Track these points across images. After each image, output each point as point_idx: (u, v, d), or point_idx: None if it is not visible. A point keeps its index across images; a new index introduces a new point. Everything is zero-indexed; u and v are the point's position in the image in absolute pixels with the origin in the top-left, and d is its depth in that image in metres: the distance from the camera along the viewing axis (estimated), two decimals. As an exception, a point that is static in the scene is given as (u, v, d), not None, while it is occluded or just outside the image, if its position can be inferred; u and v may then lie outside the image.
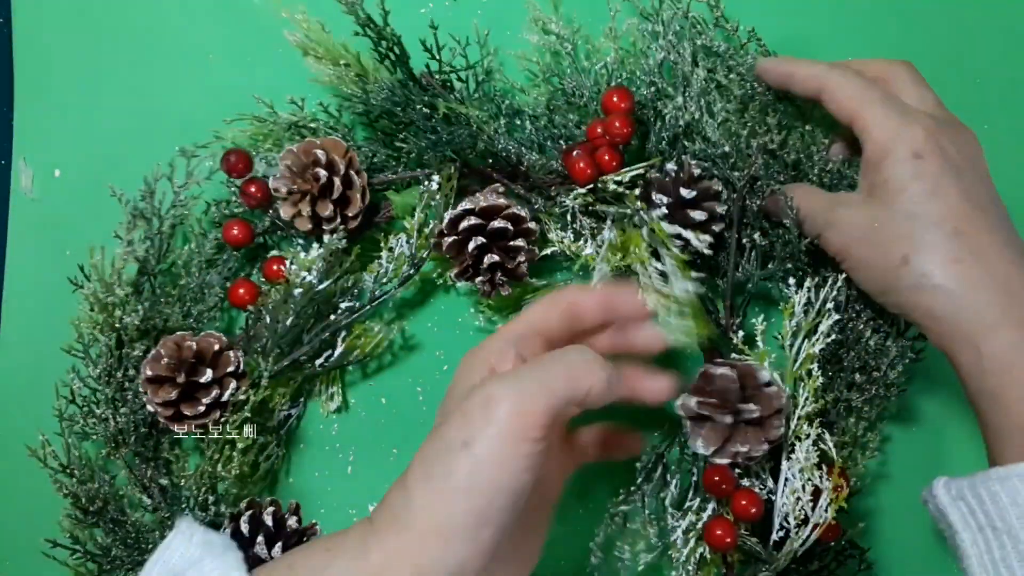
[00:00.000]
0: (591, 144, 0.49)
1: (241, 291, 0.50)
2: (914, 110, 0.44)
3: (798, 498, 0.46)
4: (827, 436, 0.47)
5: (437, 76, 0.48)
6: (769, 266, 0.48)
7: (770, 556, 0.46)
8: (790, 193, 0.47)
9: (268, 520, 0.46)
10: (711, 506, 0.46)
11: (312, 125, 0.51)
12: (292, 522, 0.47)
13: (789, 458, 0.46)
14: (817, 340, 0.46)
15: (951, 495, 0.40)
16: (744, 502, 0.45)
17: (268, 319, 0.48)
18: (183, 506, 0.46)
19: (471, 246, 0.46)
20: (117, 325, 0.47)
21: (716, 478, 0.45)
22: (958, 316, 0.40)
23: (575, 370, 0.36)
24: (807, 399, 0.47)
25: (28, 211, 0.54)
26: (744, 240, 0.49)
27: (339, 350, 0.50)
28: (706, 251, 0.46)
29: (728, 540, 0.45)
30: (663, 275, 0.47)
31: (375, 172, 0.51)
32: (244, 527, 0.46)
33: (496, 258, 0.47)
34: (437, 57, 0.47)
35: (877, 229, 0.42)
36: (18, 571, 0.51)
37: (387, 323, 0.52)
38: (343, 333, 0.51)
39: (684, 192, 0.46)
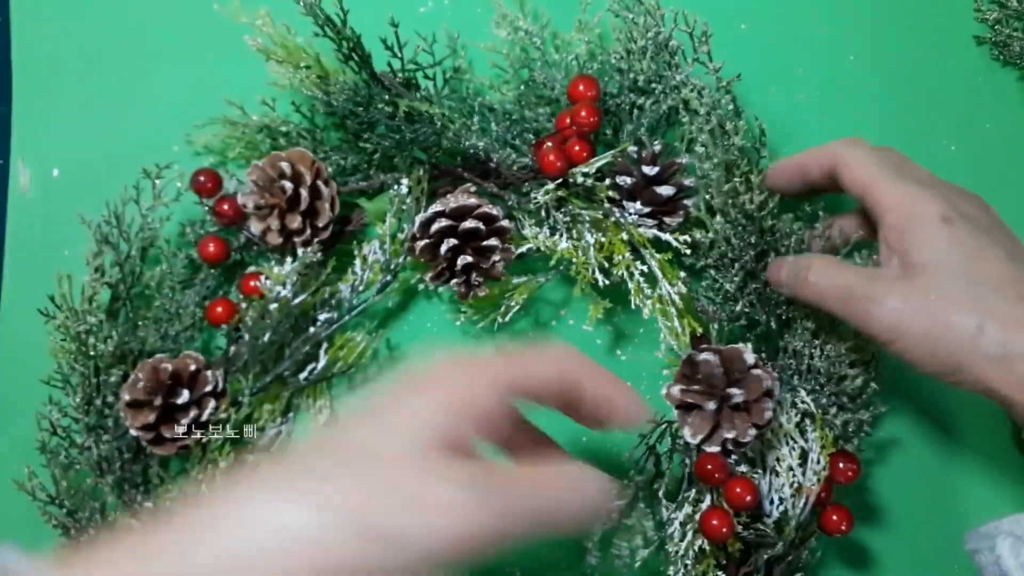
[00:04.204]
0: (561, 136, 0.48)
1: (219, 309, 0.49)
2: (924, 181, 0.42)
3: (788, 466, 0.45)
4: (803, 393, 0.46)
5: (400, 75, 0.47)
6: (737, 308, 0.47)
7: (772, 535, 0.45)
8: (807, 266, 0.43)
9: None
10: (708, 497, 0.45)
11: (284, 128, 0.50)
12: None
13: (774, 431, 0.46)
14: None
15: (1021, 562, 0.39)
16: (739, 490, 0.44)
17: (247, 336, 0.47)
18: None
19: (443, 248, 0.46)
20: (92, 353, 0.47)
21: (708, 467, 0.44)
22: None
23: None
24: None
25: (26, 211, 0.53)
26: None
27: (322, 362, 0.50)
28: (686, 251, 0.46)
29: (725, 530, 0.44)
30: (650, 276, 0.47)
31: (347, 177, 0.50)
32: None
33: (470, 259, 0.46)
34: (399, 55, 0.46)
35: (935, 299, 0.38)
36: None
37: (368, 332, 0.51)
38: (325, 345, 0.50)
39: (647, 169, 0.45)
